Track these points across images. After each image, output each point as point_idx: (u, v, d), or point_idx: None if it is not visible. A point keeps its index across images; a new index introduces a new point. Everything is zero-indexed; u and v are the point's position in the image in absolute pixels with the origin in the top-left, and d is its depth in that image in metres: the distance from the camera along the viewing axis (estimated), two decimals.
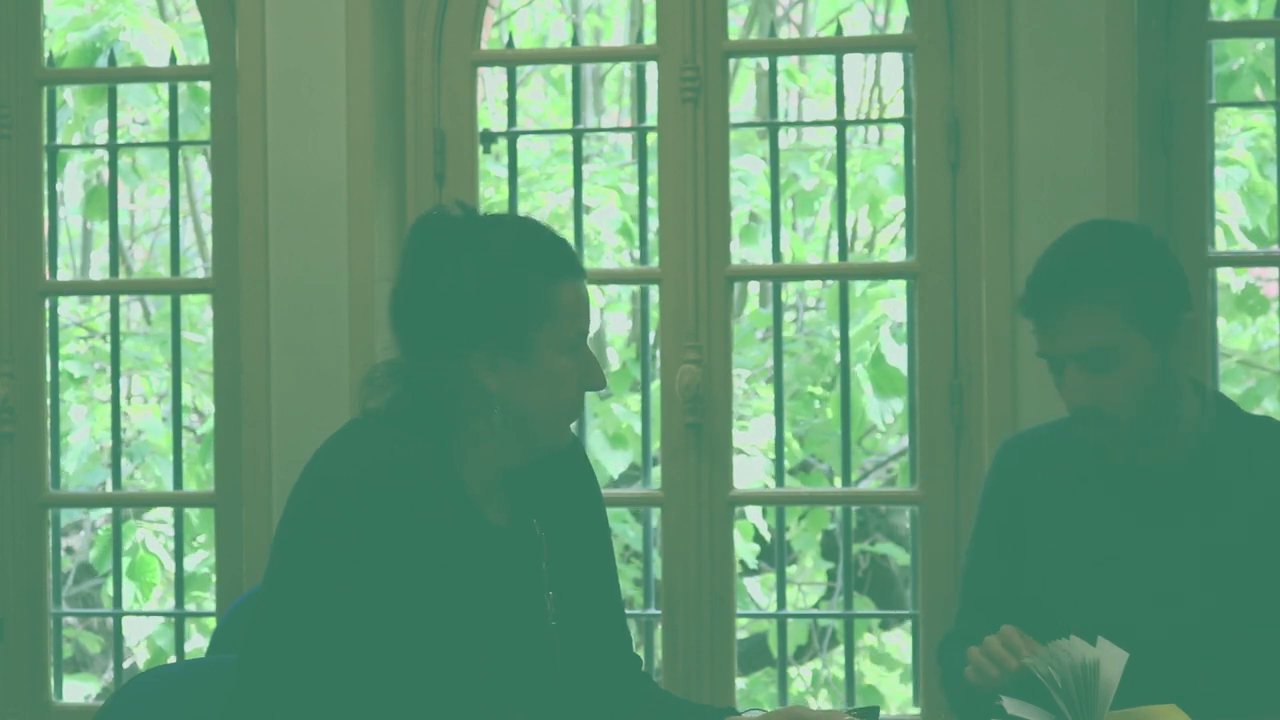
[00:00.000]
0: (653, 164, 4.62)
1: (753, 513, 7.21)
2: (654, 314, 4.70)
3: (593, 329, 7.48)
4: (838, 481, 6.88)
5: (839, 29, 5.16)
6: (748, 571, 7.38)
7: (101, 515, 7.84)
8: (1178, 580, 3.11)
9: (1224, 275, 7.03)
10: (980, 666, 2.92)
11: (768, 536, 7.11)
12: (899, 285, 6.75)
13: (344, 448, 2.70)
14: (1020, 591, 3.18)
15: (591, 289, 7.33)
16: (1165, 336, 3.09)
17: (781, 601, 4.77)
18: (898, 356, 6.80)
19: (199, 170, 8.08)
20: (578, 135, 4.81)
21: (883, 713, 2.81)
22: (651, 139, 4.66)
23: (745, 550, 7.23)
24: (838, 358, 5.29)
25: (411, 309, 2.75)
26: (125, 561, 6.77)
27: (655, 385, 4.67)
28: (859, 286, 7.00)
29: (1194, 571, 3.11)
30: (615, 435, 7.15)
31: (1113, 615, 3.10)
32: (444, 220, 2.77)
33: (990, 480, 3.28)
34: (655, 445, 4.65)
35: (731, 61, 4.70)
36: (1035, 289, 3.11)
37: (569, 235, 4.66)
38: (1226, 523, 3.12)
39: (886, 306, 6.93)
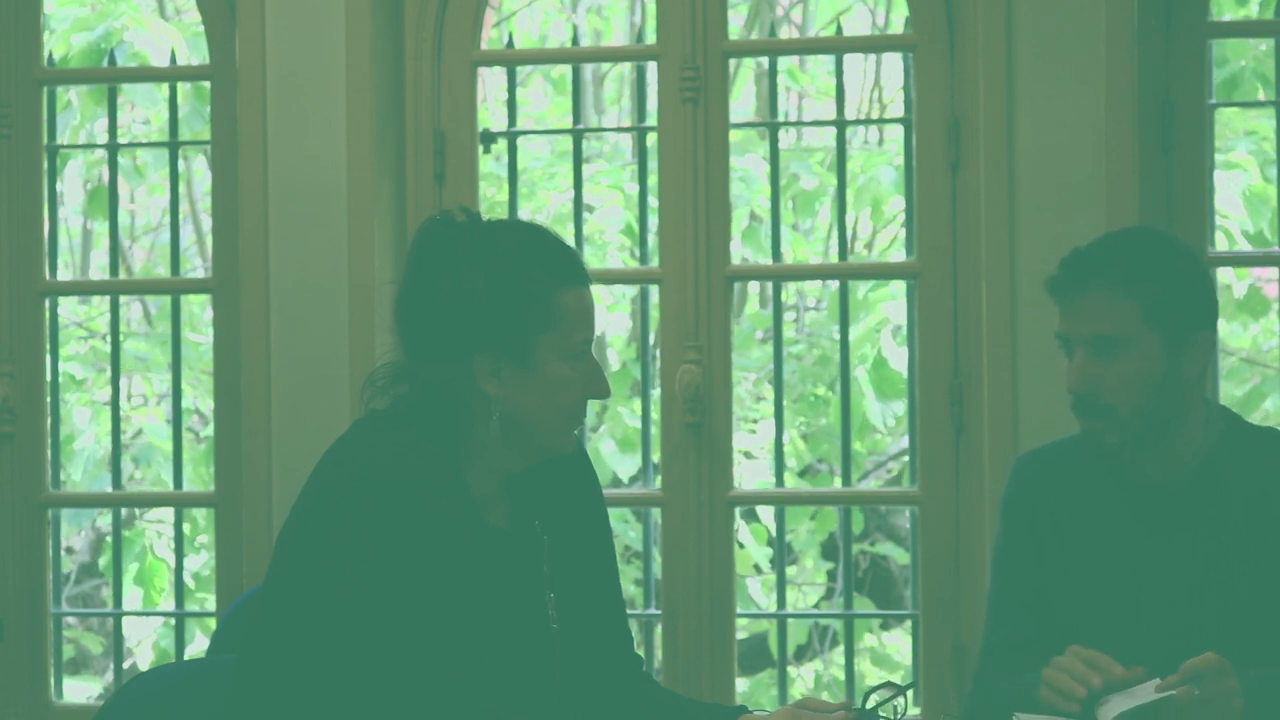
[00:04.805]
0: (653, 164, 4.62)
1: (765, 516, 7.20)
2: (654, 314, 4.70)
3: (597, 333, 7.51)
4: (838, 482, 6.88)
5: (839, 29, 5.16)
6: (760, 574, 7.38)
7: (108, 521, 7.84)
8: (1189, 593, 3.12)
9: (1227, 278, 7.03)
10: (1060, 685, 2.91)
11: None
12: (900, 288, 6.75)
13: (352, 450, 2.70)
14: (1048, 611, 3.19)
15: (594, 291, 7.31)
16: (1179, 345, 3.10)
17: (781, 601, 4.77)
18: (899, 360, 6.80)
19: (199, 170, 8.08)
20: (578, 135, 4.81)
21: (882, 713, 2.80)
22: (651, 139, 4.66)
23: (759, 554, 7.23)
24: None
25: (415, 313, 2.75)
26: (133, 567, 6.78)
27: (656, 387, 4.68)
28: (860, 289, 7.00)
29: (1204, 584, 3.12)
30: (624, 439, 7.16)
31: (1127, 629, 3.11)
32: (449, 225, 2.76)
33: (1006, 500, 3.28)
34: (656, 445, 4.65)
35: (731, 61, 4.70)
36: (1063, 268, 3.14)
37: (570, 235, 4.67)
38: (1233, 535, 3.12)
39: (888, 309, 6.94)
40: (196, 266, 7.99)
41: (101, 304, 7.63)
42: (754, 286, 7.96)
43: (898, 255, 7.72)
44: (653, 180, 4.62)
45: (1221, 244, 6.59)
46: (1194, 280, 3.15)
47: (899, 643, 7.95)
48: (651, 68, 4.77)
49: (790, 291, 7.94)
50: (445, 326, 2.71)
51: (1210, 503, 3.14)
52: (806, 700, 2.78)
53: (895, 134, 8.02)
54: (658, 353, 4.63)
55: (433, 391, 2.73)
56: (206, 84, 4.99)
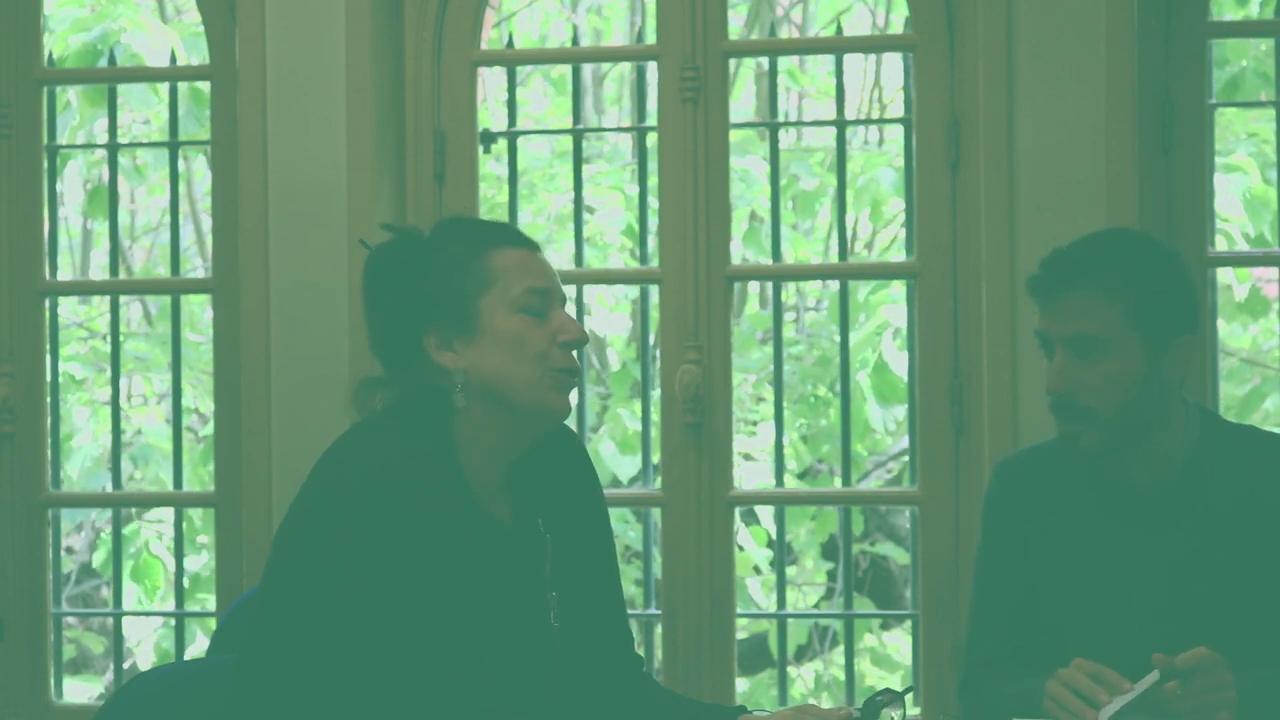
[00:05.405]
0: (653, 164, 4.62)
1: (765, 518, 7.20)
2: (654, 314, 4.70)
3: (598, 326, 7.51)
4: (838, 482, 6.88)
5: (839, 29, 5.16)
6: (759, 575, 7.39)
7: (106, 518, 7.85)
8: (1176, 594, 3.12)
9: (1227, 278, 7.03)
10: (1068, 706, 2.91)
11: None
12: (900, 291, 6.75)
13: (348, 450, 2.71)
14: (1031, 614, 3.19)
15: (593, 290, 7.31)
16: (1159, 347, 3.11)
17: (781, 601, 4.77)
18: (900, 365, 6.80)
19: (199, 170, 8.08)
20: (578, 135, 4.81)
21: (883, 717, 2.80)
22: (651, 139, 4.66)
23: (759, 556, 7.23)
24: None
25: (372, 325, 2.82)
26: (129, 565, 6.78)
27: (656, 387, 4.68)
28: (860, 291, 7.00)
29: (1191, 585, 3.12)
30: (624, 441, 7.16)
31: (1115, 632, 3.12)
32: (381, 245, 2.83)
33: (987, 506, 3.29)
34: (656, 446, 4.64)
35: (731, 61, 4.70)
36: (1044, 268, 3.15)
37: (570, 235, 4.67)
38: (1219, 535, 3.13)
39: (888, 313, 6.93)
40: (196, 266, 7.99)
41: (101, 304, 7.63)
42: (754, 287, 7.96)
43: (898, 256, 7.72)
44: (653, 180, 4.62)
45: (1221, 247, 6.58)
46: (1176, 283, 3.15)
47: (899, 643, 7.95)
48: (651, 68, 4.77)
49: (790, 292, 7.94)
50: (393, 322, 2.77)
51: (1194, 504, 3.14)
52: (807, 707, 2.79)
53: (895, 134, 8.02)
54: (658, 353, 4.63)
55: (411, 389, 2.77)
56: (204, 86, 4.99)
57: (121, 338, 5.47)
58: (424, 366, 2.76)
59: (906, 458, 5.40)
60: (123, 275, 7.09)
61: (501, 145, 4.97)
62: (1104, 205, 4.25)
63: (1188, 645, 2.91)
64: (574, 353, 2.79)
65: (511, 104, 4.84)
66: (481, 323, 2.75)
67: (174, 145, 4.93)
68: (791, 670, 7.75)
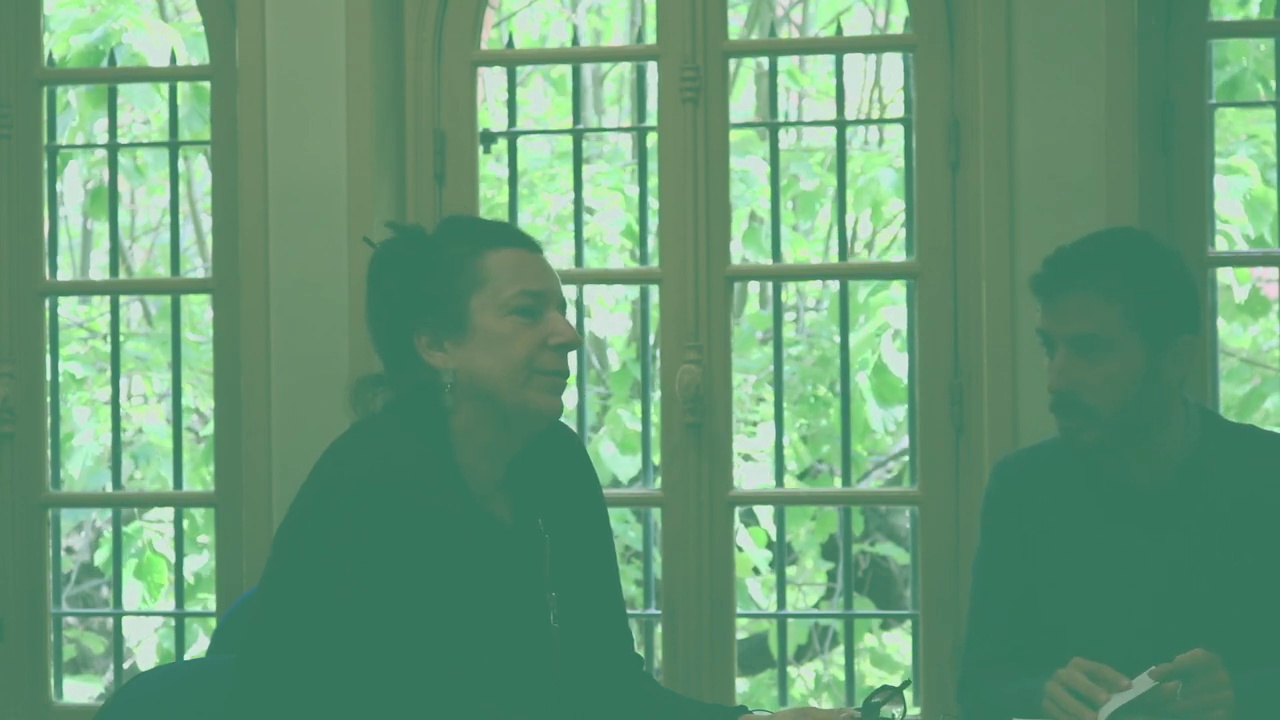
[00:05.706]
0: (653, 165, 4.62)
1: (764, 519, 7.20)
2: (654, 314, 4.70)
3: (595, 325, 7.51)
4: (838, 482, 6.88)
5: (839, 29, 5.16)
6: (759, 576, 7.39)
7: (107, 517, 7.85)
8: (1175, 594, 3.13)
9: (1227, 279, 7.02)
10: (1067, 706, 2.91)
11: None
12: (900, 292, 6.76)
13: (348, 450, 2.71)
14: (1031, 614, 3.19)
15: (593, 290, 7.31)
16: (1160, 347, 3.11)
17: (781, 601, 4.77)
18: (900, 366, 6.80)
19: (199, 170, 8.08)
20: (578, 135, 4.81)
21: (884, 715, 2.80)
22: (651, 139, 4.66)
23: (759, 557, 7.23)
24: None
25: (371, 323, 2.83)
26: (132, 562, 6.79)
27: (656, 387, 4.67)
28: (860, 291, 7.00)
29: (1190, 584, 3.13)
30: (624, 441, 7.16)
31: (1114, 631, 3.12)
32: (385, 242, 2.84)
33: (987, 505, 3.30)
34: (656, 446, 4.64)
35: (731, 61, 4.70)
36: (1046, 267, 3.16)
37: (570, 236, 4.67)
38: (1218, 534, 3.13)
39: (888, 314, 6.94)
40: (196, 266, 7.99)
41: (101, 304, 7.64)
42: (754, 287, 7.96)
43: (898, 256, 7.72)
44: (653, 181, 4.62)
45: (1222, 246, 6.58)
46: (1177, 283, 3.16)
47: (899, 643, 7.95)
48: (651, 68, 4.77)
49: (790, 292, 7.94)
50: (389, 321, 2.79)
51: (1194, 503, 3.15)
52: (808, 709, 2.80)
53: (895, 134, 8.02)
54: (658, 353, 4.63)
55: (406, 388, 2.77)
56: (206, 85, 4.99)
57: (121, 338, 5.47)
58: (418, 366, 2.77)
59: (906, 458, 5.40)
60: (123, 275, 7.09)
61: (501, 145, 4.97)
62: (1104, 205, 4.25)
63: (1187, 645, 2.92)
64: (567, 355, 2.79)
65: (511, 104, 4.84)
66: (472, 323, 2.75)
67: (174, 145, 4.93)
68: (791, 670, 7.76)
